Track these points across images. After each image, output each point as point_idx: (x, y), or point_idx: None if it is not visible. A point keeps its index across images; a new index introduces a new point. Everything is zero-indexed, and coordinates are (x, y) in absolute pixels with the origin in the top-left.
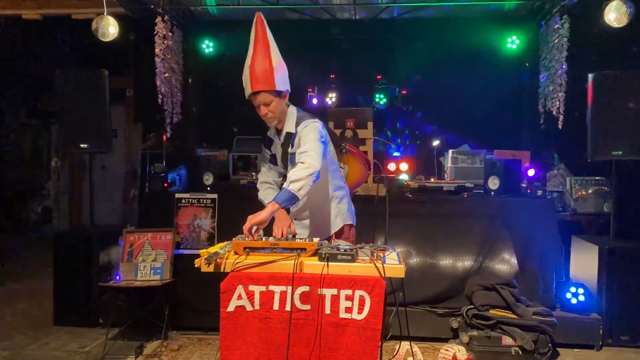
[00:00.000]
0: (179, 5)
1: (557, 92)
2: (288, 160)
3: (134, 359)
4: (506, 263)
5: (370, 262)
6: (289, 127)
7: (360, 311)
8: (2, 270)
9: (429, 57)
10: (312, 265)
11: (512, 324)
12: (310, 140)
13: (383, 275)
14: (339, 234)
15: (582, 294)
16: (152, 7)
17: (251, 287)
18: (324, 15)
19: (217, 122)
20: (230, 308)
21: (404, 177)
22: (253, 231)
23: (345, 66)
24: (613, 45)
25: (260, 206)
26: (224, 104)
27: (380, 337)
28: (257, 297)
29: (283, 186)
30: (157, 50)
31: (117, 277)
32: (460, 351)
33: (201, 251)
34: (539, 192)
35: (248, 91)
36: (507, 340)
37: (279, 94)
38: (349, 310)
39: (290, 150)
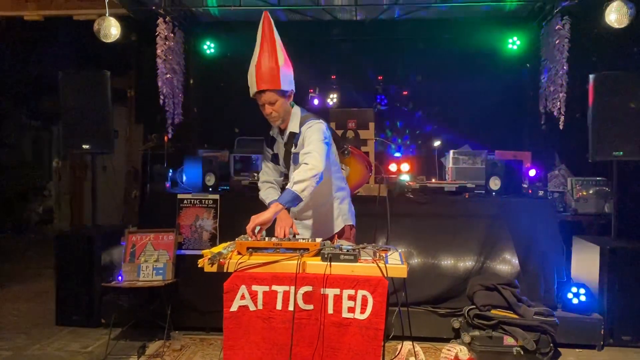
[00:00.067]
0: (181, 7)
1: (558, 93)
2: (291, 160)
3: (137, 359)
4: (507, 263)
5: (373, 262)
6: (292, 127)
7: (362, 311)
8: (4, 271)
9: (430, 57)
10: (315, 265)
11: (513, 324)
12: (314, 141)
13: (386, 275)
14: (340, 234)
15: (584, 294)
16: (153, 8)
17: (254, 287)
18: (325, 16)
19: (218, 122)
20: (234, 308)
21: (405, 177)
22: (256, 231)
23: (346, 67)
24: (614, 46)
25: (261, 206)
26: (225, 105)
27: (383, 337)
28: (260, 297)
29: (287, 187)
30: (158, 51)
31: (120, 277)
32: (462, 351)
33: (204, 251)
34: (540, 193)
35: (253, 90)
36: (508, 340)
37: (284, 93)
38: (351, 310)
39: (293, 150)
